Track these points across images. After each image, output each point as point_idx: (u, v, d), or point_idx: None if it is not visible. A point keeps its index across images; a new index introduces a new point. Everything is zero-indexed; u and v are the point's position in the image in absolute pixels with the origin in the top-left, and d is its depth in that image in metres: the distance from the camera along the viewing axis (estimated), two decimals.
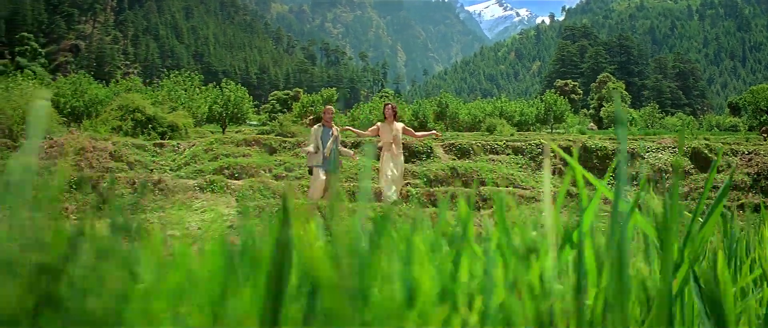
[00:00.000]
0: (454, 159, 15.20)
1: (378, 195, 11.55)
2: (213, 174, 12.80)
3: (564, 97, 58.02)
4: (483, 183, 13.43)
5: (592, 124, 67.89)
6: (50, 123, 24.03)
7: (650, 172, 14.37)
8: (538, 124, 52.90)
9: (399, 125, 10.62)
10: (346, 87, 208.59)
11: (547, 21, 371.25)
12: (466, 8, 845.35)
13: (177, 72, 44.72)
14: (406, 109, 55.08)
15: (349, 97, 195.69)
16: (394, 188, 10.27)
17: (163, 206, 9.28)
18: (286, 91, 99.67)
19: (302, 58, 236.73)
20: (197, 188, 9.50)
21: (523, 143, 15.97)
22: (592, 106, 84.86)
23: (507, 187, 12.97)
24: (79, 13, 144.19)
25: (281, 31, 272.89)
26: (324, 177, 10.02)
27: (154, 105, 35.19)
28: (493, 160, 15.25)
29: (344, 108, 68.36)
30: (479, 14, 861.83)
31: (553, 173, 14.92)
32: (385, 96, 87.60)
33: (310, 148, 10.23)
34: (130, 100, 32.24)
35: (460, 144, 15.72)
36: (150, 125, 29.97)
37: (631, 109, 69.34)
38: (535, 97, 60.26)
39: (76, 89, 35.94)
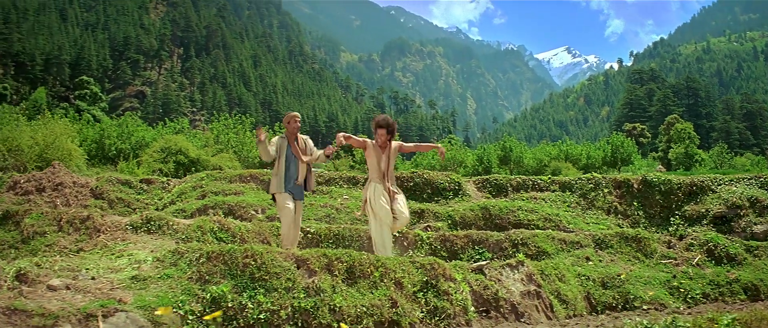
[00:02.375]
0: (488, 197, 12.69)
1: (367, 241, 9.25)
2: (194, 214, 10.82)
3: (631, 139, 54.91)
4: (519, 225, 10.89)
5: (660, 166, 64.98)
6: (73, 161, 22.85)
7: (723, 208, 11.67)
8: (604, 167, 49.80)
9: (394, 146, 8.05)
10: (415, 135, 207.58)
11: (616, 66, 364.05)
12: (536, 56, 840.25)
13: (226, 115, 43.82)
14: (470, 155, 52.93)
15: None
16: (386, 230, 7.66)
17: (84, 247, 7.35)
18: None
19: (371, 106, 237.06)
20: (129, 228, 7.48)
21: (573, 178, 13.35)
22: (660, 148, 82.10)
23: (547, 229, 10.43)
24: (145, 60, 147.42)
25: (350, 80, 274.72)
26: (291, 205, 7.76)
27: (199, 148, 34.09)
28: (535, 198, 12.66)
29: (410, 155, 68.45)
30: (548, 62, 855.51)
31: (608, 212, 12.34)
32: (452, 141, 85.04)
33: (269, 148, 7.94)
34: (173, 142, 31.21)
35: (496, 179, 13.20)
36: (193, 168, 28.67)
37: (700, 151, 67.25)
38: (603, 141, 57.41)
39: (122, 131, 35.16)
